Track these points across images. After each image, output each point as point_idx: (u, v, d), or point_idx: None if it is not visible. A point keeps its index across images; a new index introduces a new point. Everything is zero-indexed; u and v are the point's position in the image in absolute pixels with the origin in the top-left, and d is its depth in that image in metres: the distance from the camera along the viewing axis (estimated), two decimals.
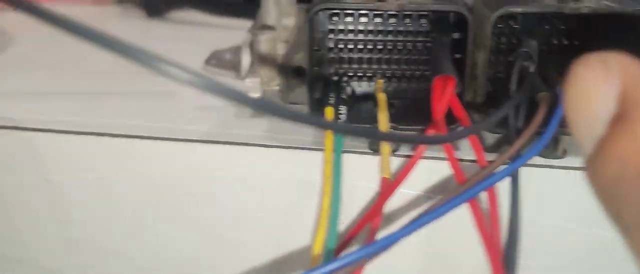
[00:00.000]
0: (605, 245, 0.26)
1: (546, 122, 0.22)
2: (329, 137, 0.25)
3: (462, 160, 0.25)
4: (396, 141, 0.21)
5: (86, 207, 0.30)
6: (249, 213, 0.28)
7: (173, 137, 0.28)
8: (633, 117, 0.13)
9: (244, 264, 0.29)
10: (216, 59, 0.39)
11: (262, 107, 0.14)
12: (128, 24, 0.54)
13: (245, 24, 0.50)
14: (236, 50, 0.39)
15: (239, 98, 0.14)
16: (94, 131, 0.28)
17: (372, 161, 0.26)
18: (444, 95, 0.22)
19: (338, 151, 0.24)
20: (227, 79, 0.36)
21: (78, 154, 0.29)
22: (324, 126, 0.15)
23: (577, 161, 0.26)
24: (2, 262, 0.31)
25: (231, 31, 0.50)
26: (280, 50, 0.34)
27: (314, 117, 0.15)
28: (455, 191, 0.20)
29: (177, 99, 0.33)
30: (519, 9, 0.24)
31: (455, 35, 0.26)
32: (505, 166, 0.21)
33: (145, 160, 0.28)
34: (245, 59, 0.35)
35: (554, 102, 0.23)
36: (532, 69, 0.24)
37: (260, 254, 0.29)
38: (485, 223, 0.20)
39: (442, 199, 0.20)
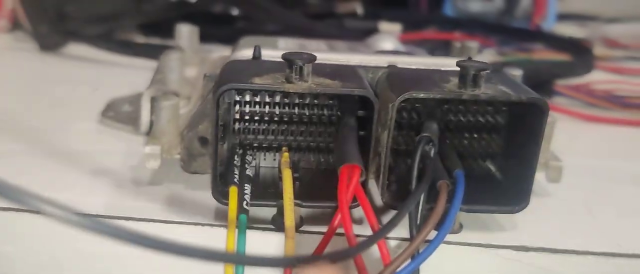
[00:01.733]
0: None
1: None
2: (232, 218, 0.24)
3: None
4: (301, 264, 0.20)
5: None
6: None
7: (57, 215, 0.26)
8: None
9: None
10: (113, 111, 0.37)
11: (152, 244, 0.13)
12: (19, 58, 0.51)
13: (145, 63, 0.48)
14: (135, 101, 0.38)
15: (123, 236, 0.13)
16: None
17: (278, 237, 0.26)
18: (350, 185, 0.22)
19: (242, 230, 0.23)
20: (125, 134, 0.35)
21: None
22: (220, 258, 0.15)
23: (474, 237, 0.27)
24: None
25: (129, 69, 0.48)
26: (182, 108, 0.33)
27: (207, 251, 0.14)
28: None
29: (71, 161, 0.31)
30: (421, 95, 0.24)
31: (361, 113, 0.26)
32: (407, 265, 0.21)
33: (33, 238, 0.26)
34: (145, 115, 0.34)
35: (454, 186, 0.24)
36: (433, 153, 0.25)
37: None
38: None
39: None
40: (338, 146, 0.24)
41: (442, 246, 0.26)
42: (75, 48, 0.53)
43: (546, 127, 0.27)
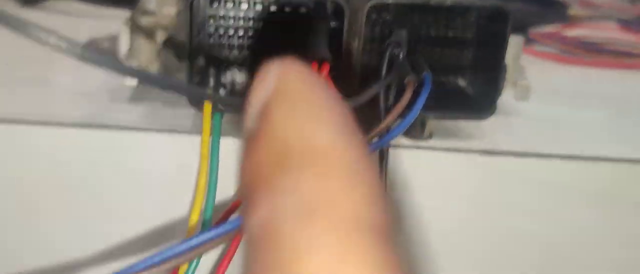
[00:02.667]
0: (468, 220, 0.28)
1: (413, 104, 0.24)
2: (206, 117, 0.25)
3: None
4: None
5: None
6: (126, 199, 0.28)
7: (45, 121, 0.27)
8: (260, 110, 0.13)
9: (118, 250, 0.29)
10: (93, 47, 0.38)
11: (137, 75, 0.14)
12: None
13: (126, 14, 0.49)
14: (114, 39, 0.38)
15: (115, 67, 0.14)
16: None
17: None
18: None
19: (216, 131, 0.24)
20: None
21: None
22: (199, 94, 0.15)
23: (443, 143, 0.28)
24: None
25: (112, 21, 0.48)
26: (160, 37, 0.33)
27: (191, 86, 0.15)
28: None
29: (51, 86, 0.32)
30: (390, 1, 0.25)
31: (332, 24, 0.27)
32: (375, 141, 0.22)
33: (15, 147, 0.27)
34: (124, 45, 0.35)
35: (420, 87, 0.25)
36: (401, 55, 0.25)
37: (136, 242, 0.28)
38: None
39: None
40: (308, 45, 0.25)
41: (412, 152, 0.27)
42: (59, 3, 0.53)
43: (514, 46, 0.28)
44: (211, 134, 0.24)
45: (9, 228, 0.28)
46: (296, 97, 0.12)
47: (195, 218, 0.22)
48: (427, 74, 0.25)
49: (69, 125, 0.27)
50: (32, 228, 0.28)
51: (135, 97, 0.30)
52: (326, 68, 0.23)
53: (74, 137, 0.27)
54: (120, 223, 0.28)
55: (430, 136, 0.28)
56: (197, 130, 0.27)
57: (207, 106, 0.25)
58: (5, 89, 0.31)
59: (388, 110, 0.23)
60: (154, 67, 0.29)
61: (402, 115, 0.23)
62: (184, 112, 0.29)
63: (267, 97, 0.12)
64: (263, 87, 0.13)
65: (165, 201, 0.28)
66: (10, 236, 0.29)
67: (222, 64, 0.28)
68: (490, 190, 0.28)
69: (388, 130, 0.22)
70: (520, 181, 0.27)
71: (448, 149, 0.27)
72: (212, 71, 0.27)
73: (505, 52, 0.26)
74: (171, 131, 0.27)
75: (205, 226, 0.22)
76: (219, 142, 0.24)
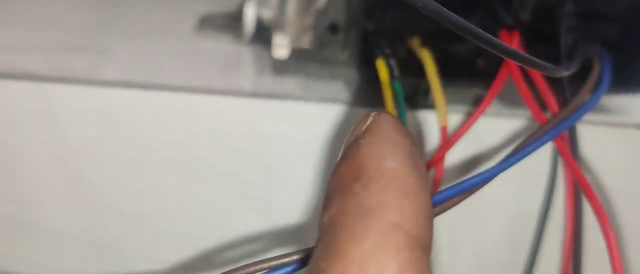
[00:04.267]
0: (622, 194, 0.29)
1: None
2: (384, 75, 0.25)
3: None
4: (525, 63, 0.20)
5: (103, 165, 0.28)
6: (284, 169, 0.28)
7: (204, 90, 0.27)
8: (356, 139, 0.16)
9: (275, 219, 0.29)
10: (210, 24, 0.37)
11: None
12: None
13: None
14: (228, 16, 0.38)
15: None
16: (119, 82, 0.27)
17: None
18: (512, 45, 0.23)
19: (400, 96, 0.24)
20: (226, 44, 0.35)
21: (98, 108, 0.27)
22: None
23: (598, 117, 0.28)
24: (11, 224, 0.28)
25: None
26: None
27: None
28: (541, 129, 0.20)
29: (201, 54, 0.31)
30: None
31: None
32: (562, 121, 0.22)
33: (173, 115, 0.27)
34: (250, 18, 0.34)
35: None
36: (574, 25, 0.26)
37: (294, 210, 0.29)
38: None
39: (530, 136, 0.21)
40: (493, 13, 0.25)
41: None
42: None
43: None
44: (395, 100, 0.24)
45: (149, 192, 0.28)
46: (380, 135, 0.16)
47: None
48: (603, 49, 0.26)
49: (227, 94, 0.27)
50: (176, 194, 0.28)
51: (281, 69, 0.30)
52: (516, 36, 0.23)
53: (235, 106, 0.27)
54: (281, 189, 0.28)
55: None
56: (355, 100, 0.27)
57: (382, 68, 0.25)
58: (159, 58, 0.30)
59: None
60: (305, 41, 0.29)
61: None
62: (339, 85, 0.28)
63: (360, 133, 0.16)
64: (359, 127, 0.17)
65: (323, 171, 0.28)
66: (150, 201, 0.29)
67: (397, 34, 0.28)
68: None
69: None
70: None
71: (603, 124, 0.28)
72: (373, 40, 0.27)
73: None
74: (332, 100, 0.27)
75: None
76: (405, 109, 0.24)
